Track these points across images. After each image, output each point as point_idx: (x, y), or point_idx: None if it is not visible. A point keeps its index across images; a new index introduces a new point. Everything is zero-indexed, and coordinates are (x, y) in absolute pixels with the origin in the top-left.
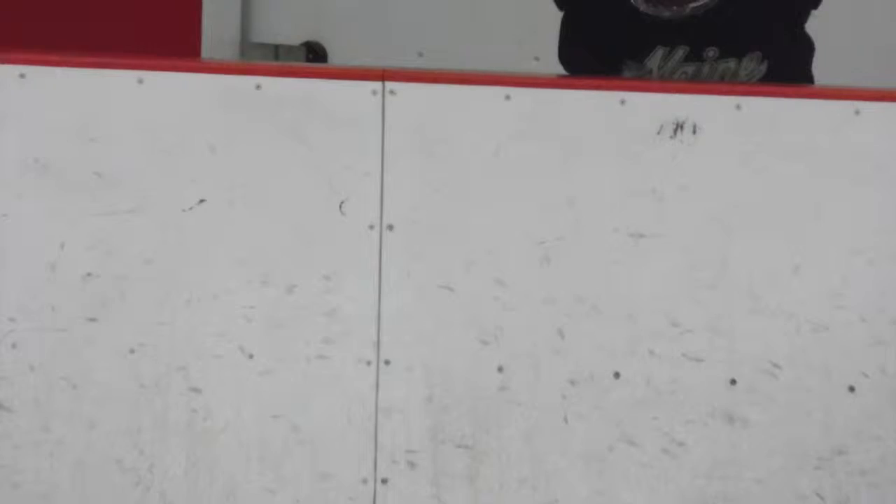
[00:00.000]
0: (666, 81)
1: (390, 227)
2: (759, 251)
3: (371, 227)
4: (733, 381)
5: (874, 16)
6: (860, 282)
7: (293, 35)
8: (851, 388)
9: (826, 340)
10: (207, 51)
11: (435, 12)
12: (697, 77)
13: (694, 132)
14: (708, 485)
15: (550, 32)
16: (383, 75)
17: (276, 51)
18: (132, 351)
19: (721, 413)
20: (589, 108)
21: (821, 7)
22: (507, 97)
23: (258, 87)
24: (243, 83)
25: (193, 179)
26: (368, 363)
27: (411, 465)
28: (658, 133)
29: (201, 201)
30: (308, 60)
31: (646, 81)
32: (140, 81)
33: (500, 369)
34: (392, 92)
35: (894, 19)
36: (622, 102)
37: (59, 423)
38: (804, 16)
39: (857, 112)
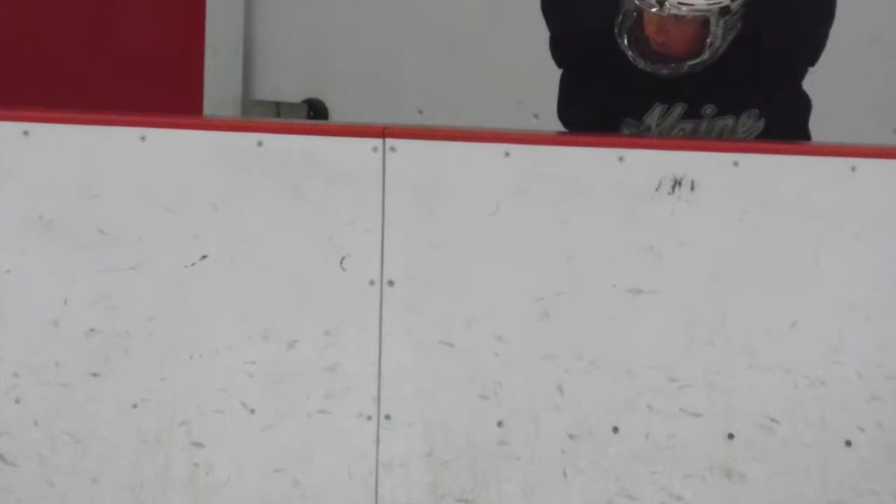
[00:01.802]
0: (664, 138)
1: (391, 283)
2: (756, 307)
3: (372, 282)
4: (731, 436)
5: (871, 73)
6: (857, 337)
7: (294, 92)
8: (848, 443)
9: (823, 395)
10: (209, 108)
11: (435, 70)
12: (695, 134)
13: (692, 189)
14: None
15: (549, 90)
16: (384, 132)
17: (278, 108)
18: (135, 406)
19: (719, 467)
20: (588, 165)
21: (817, 65)
22: (507, 154)
23: (260, 143)
24: (245, 140)
25: (195, 236)
26: (369, 418)
27: None
28: (656, 189)
29: (203, 257)
30: (309, 117)
31: (644, 138)
32: (142, 138)
33: (499, 424)
34: (392, 149)
35: (890, 77)
36: (621, 159)
37: (62, 477)
38: (801, 73)
39: (853, 169)
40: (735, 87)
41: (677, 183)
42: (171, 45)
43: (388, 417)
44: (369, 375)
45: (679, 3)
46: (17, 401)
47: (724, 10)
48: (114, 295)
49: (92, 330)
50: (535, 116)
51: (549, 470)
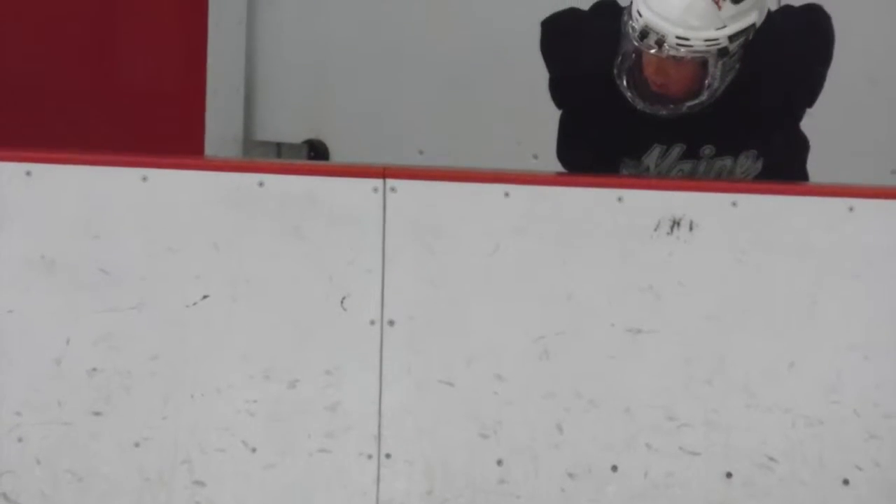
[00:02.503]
0: (663, 179)
1: (391, 323)
2: (754, 346)
3: (372, 322)
4: (729, 475)
5: (868, 114)
6: (854, 377)
7: (295, 133)
8: (846, 482)
9: (821, 434)
10: (211, 149)
11: (435, 111)
12: (694, 174)
13: (690, 229)
14: None
15: (549, 131)
16: (384, 173)
17: (279, 149)
18: (137, 445)
19: None
20: (587, 205)
21: (815, 105)
22: (507, 194)
23: (261, 184)
24: (246, 180)
25: (197, 276)
26: (370, 457)
27: None
28: (655, 229)
29: (205, 297)
30: (310, 158)
31: (643, 179)
32: (144, 179)
33: (499, 463)
34: (393, 189)
35: (888, 118)
36: (620, 199)
37: None
38: (799, 114)
39: (851, 209)
40: (733, 128)
41: (676, 223)
42: (173, 86)
43: (388, 456)
44: (370, 414)
45: (678, 44)
46: (20, 439)
47: (723, 52)
48: (116, 334)
49: (94, 369)
50: (535, 157)
51: None
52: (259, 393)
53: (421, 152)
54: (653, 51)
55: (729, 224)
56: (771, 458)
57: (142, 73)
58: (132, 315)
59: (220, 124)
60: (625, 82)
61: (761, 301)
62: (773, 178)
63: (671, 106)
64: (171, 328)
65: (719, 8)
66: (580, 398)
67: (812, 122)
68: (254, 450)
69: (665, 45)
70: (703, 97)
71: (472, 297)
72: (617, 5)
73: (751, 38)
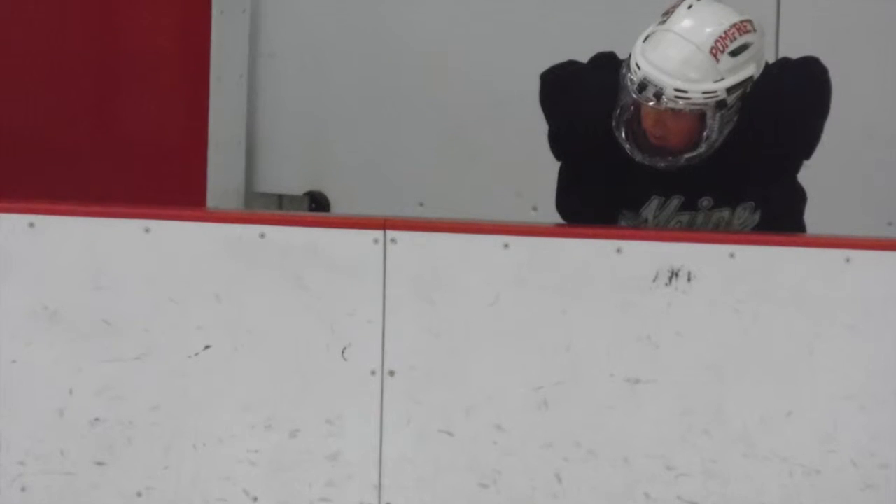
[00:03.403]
0: (661, 230)
1: (391, 373)
2: (752, 397)
3: (373, 372)
4: None
5: (865, 166)
6: (851, 427)
7: (296, 185)
8: None
9: (818, 484)
10: (212, 200)
11: (435, 163)
12: (692, 226)
13: (689, 280)
14: None
15: (548, 182)
16: (384, 224)
17: (280, 200)
18: (139, 494)
19: None
20: (586, 257)
21: (813, 158)
22: (506, 245)
23: (262, 235)
24: (248, 232)
25: (199, 326)
26: None
27: None
28: (653, 280)
29: (206, 348)
30: (311, 210)
31: (641, 230)
32: (147, 230)
33: None
34: (393, 240)
35: (884, 170)
36: (618, 251)
37: None
38: (796, 166)
39: (848, 260)
40: (731, 180)
41: (674, 274)
42: (175, 139)
43: None
44: (370, 464)
45: (676, 96)
46: (23, 489)
47: (721, 104)
48: (118, 385)
49: (97, 419)
50: (534, 209)
51: None
52: (260, 442)
53: (421, 204)
54: (651, 103)
55: (727, 275)
56: None
57: (144, 126)
58: (134, 365)
59: (222, 176)
60: (623, 134)
61: (759, 351)
62: (771, 230)
63: (669, 158)
64: (173, 378)
65: (717, 61)
66: (579, 448)
67: (809, 174)
68: (255, 499)
69: (663, 97)
70: (702, 149)
71: (472, 348)
72: (615, 58)
73: (748, 90)
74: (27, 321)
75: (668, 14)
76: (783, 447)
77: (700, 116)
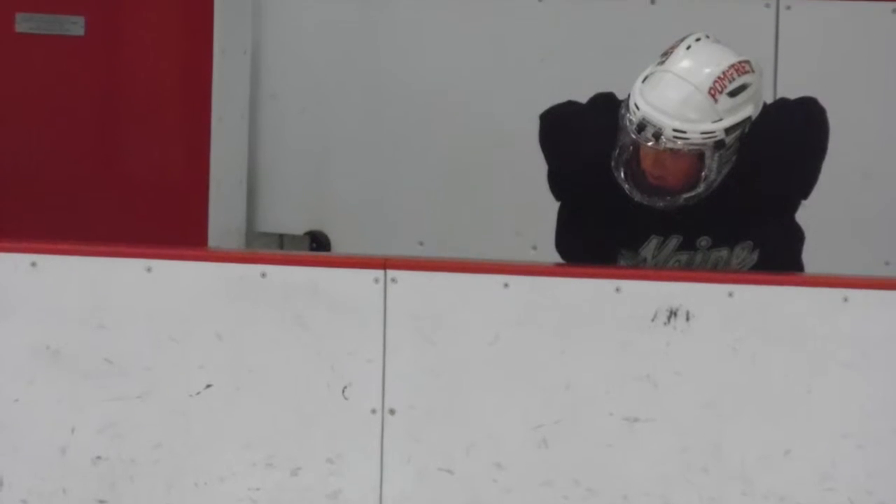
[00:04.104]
0: (660, 270)
1: (392, 412)
2: (750, 435)
3: (373, 411)
4: None
5: (862, 206)
6: (849, 465)
7: (297, 225)
8: None
9: None
10: (214, 240)
11: (435, 203)
12: (690, 265)
13: (687, 319)
14: None
15: (548, 222)
16: (385, 264)
17: (281, 240)
18: None
19: None
20: (585, 296)
21: (810, 197)
22: (506, 285)
23: (263, 275)
24: (249, 271)
25: (200, 365)
26: None
27: None
28: (652, 320)
29: (208, 386)
30: (312, 249)
31: (640, 270)
32: (148, 270)
33: None
34: (393, 280)
35: (881, 210)
36: (617, 290)
37: None
38: (794, 206)
39: (845, 299)
40: (730, 220)
41: (673, 313)
42: (177, 179)
43: None
44: (371, 502)
45: (675, 137)
46: None
47: (719, 144)
48: (120, 423)
49: (99, 457)
50: (534, 248)
51: None
52: (261, 481)
53: (421, 243)
54: (650, 143)
55: (725, 314)
56: None
57: (146, 165)
58: (136, 404)
59: (223, 216)
60: (622, 174)
61: (757, 389)
62: (769, 269)
63: (668, 198)
64: (175, 417)
65: (716, 101)
66: (578, 486)
67: (807, 214)
68: None
69: (662, 137)
70: (700, 189)
71: (472, 387)
72: (614, 98)
73: (747, 130)
74: (29, 360)
75: (666, 55)
76: (781, 485)
77: (699, 156)
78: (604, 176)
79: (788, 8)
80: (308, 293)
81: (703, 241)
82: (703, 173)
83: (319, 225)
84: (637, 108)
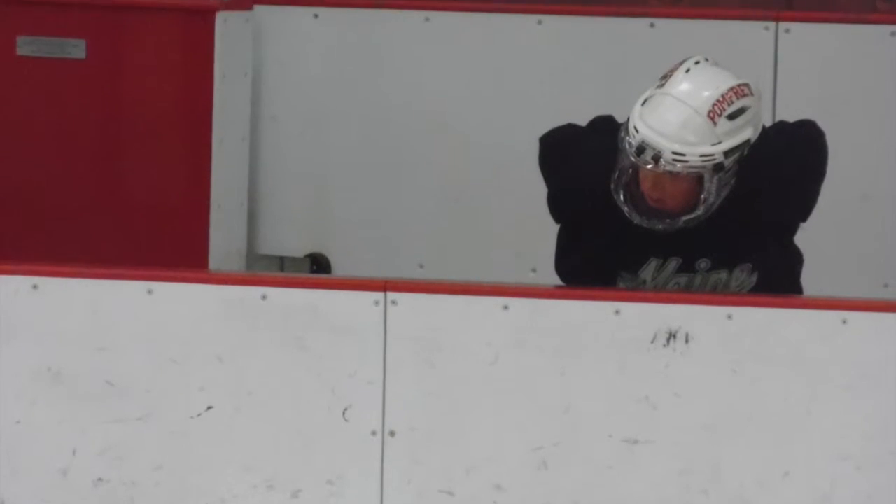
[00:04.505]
0: (659, 292)
1: (392, 434)
2: (750, 457)
3: (373, 433)
4: None
5: (861, 229)
6: (848, 487)
7: (297, 247)
8: None
9: None
10: (215, 262)
11: (435, 225)
12: (690, 288)
13: (686, 341)
14: None
15: (547, 244)
16: (385, 286)
17: (282, 262)
18: None
19: None
20: (585, 318)
21: (809, 220)
22: (506, 307)
23: (264, 297)
24: (250, 294)
25: (201, 387)
26: None
27: None
28: (652, 342)
29: (209, 408)
30: (312, 271)
31: (640, 292)
32: (150, 292)
33: None
34: (394, 302)
35: (879, 233)
36: (617, 312)
37: None
38: (793, 228)
39: (844, 321)
40: (729, 242)
41: (672, 335)
42: (178, 201)
43: None
44: None
45: (674, 159)
46: None
47: (718, 167)
48: (121, 445)
49: (100, 479)
50: (533, 270)
51: None
52: (262, 502)
53: (421, 266)
54: (649, 166)
55: (724, 336)
56: None
57: (147, 188)
58: (137, 426)
59: (224, 238)
60: (622, 197)
61: (756, 411)
62: (768, 291)
63: (667, 220)
64: (176, 439)
65: (715, 124)
66: None
67: (806, 236)
68: None
69: (661, 160)
70: (699, 212)
71: (472, 408)
72: (614, 121)
73: (746, 153)
74: (31, 382)
75: (666, 78)
76: None
77: (698, 179)
78: (603, 198)
79: (787, 31)
80: (308, 315)
81: (703, 264)
82: (702, 196)
83: (320, 247)
84: (636, 130)
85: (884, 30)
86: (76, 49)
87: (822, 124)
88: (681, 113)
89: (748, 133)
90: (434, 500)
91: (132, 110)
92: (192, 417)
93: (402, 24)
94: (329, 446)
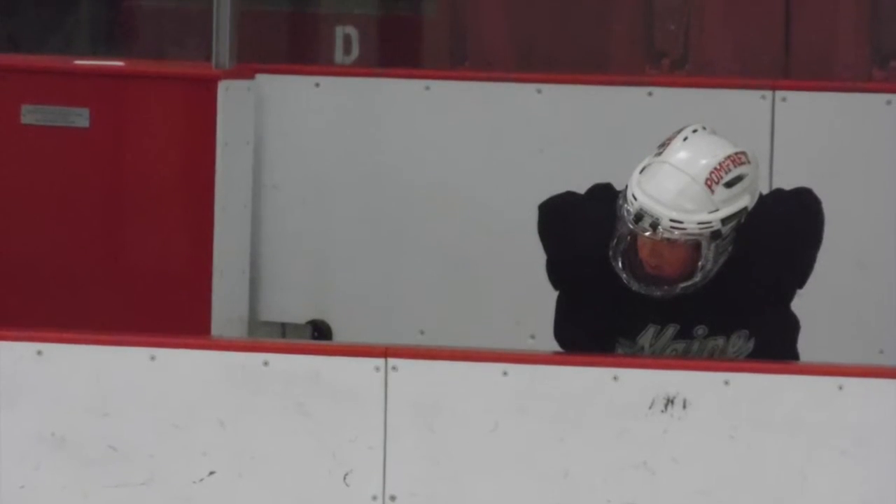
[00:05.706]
0: (657, 358)
1: (393, 499)
2: None
3: (374, 497)
4: None
5: (856, 296)
6: None
7: (299, 314)
8: None
9: None
10: (217, 329)
11: (435, 292)
12: (687, 354)
13: (684, 407)
14: None
15: (546, 311)
16: (385, 352)
17: (283, 329)
18: None
19: None
20: (583, 384)
21: (806, 287)
22: (505, 373)
23: (266, 363)
24: (251, 360)
25: (204, 452)
26: None
27: None
28: (650, 407)
29: (211, 473)
30: (313, 338)
31: (638, 358)
32: (152, 358)
33: None
34: (394, 368)
35: (875, 300)
36: (615, 378)
37: None
38: (790, 295)
39: (840, 387)
40: (726, 309)
41: (670, 401)
42: (180, 268)
43: None
44: None
45: (672, 227)
46: None
47: (716, 234)
48: None
49: None
50: (532, 337)
51: None
52: None
53: (421, 332)
54: (647, 233)
55: (722, 402)
56: None
57: (150, 255)
58: (141, 491)
59: (226, 305)
60: (620, 264)
61: (753, 477)
62: (765, 357)
63: (665, 287)
64: (179, 503)
65: (712, 192)
66: None
67: (802, 303)
68: None
69: (659, 227)
70: (697, 278)
71: (472, 474)
72: (612, 189)
73: (743, 220)
74: (35, 447)
75: (663, 146)
76: None
77: (695, 246)
78: (601, 265)
79: (784, 100)
80: (310, 381)
81: (700, 330)
82: (699, 263)
83: (321, 314)
84: (635, 198)
85: (879, 98)
86: (80, 118)
87: (818, 192)
88: (679, 181)
89: (745, 201)
90: None
91: (135, 178)
92: (194, 482)
93: (402, 92)
94: None
